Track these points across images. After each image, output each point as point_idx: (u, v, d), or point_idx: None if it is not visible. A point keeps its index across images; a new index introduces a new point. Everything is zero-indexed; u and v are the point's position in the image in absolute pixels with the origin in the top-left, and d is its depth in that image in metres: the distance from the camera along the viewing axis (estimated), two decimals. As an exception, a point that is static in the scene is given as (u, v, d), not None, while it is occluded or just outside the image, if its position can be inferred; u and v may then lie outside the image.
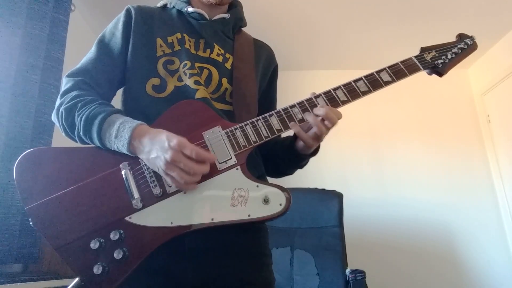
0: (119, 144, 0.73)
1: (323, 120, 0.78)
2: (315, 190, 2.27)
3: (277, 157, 0.93)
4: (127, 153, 0.73)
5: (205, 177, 0.73)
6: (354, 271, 1.86)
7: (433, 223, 2.77)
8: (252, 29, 1.06)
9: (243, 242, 0.81)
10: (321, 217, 2.11)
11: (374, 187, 2.89)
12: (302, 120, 0.80)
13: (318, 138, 0.81)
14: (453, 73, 3.45)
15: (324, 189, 2.26)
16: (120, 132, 0.73)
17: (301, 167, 0.95)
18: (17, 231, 1.43)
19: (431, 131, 3.00)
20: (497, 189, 2.82)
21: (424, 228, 2.75)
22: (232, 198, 0.72)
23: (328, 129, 0.80)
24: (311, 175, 2.76)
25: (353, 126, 3.05)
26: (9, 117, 1.48)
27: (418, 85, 3.10)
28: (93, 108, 0.76)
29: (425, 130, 3.01)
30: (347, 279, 1.86)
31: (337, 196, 2.17)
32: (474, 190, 2.84)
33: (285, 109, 0.80)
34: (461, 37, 0.94)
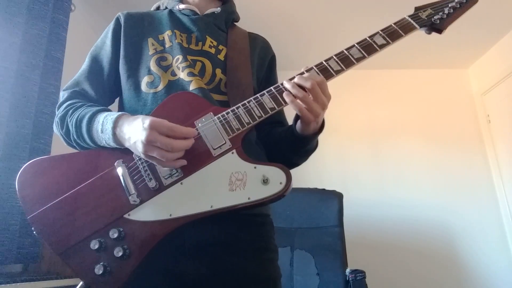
0: (106, 137, 0.74)
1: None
2: (315, 190, 2.27)
3: (282, 144, 0.90)
4: (115, 145, 0.74)
5: (201, 165, 0.72)
6: (354, 271, 1.86)
7: (433, 223, 2.76)
8: (245, 29, 1.05)
9: (246, 237, 0.79)
10: (321, 217, 2.11)
11: (374, 187, 2.89)
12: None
13: (310, 109, 0.75)
14: (453, 73, 3.42)
15: (324, 189, 2.26)
16: (104, 126, 0.74)
17: (307, 151, 0.90)
18: (17, 231, 1.43)
19: (431, 131, 3.00)
20: (497, 189, 2.82)
21: (424, 228, 2.75)
22: (230, 183, 0.69)
23: (315, 98, 0.74)
24: (311, 175, 2.76)
25: (353, 126, 3.06)
26: (9, 117, 1.48)
27: (418, 85, 3.10)
28: (81, 111, 0.79)
29: (425, 130, 3.01)
30: (347, 279, 1.86)
31: (337, 196, 2.16)
32: (474, 190, 2.84)
33: (276, 86, 0.78)
34: None
